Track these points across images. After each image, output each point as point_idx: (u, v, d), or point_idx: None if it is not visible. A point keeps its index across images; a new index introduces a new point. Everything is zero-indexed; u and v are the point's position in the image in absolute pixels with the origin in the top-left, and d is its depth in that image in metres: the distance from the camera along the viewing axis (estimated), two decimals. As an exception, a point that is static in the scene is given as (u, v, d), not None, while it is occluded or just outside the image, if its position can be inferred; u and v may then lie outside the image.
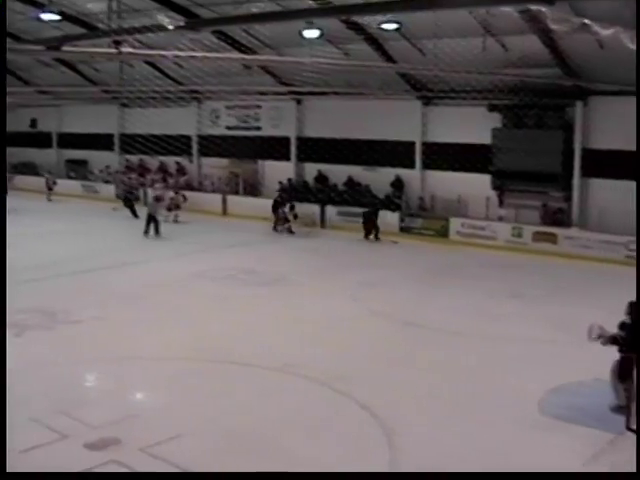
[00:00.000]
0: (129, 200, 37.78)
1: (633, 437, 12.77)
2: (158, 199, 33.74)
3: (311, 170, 38.29)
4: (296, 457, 11.88)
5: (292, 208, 34.18)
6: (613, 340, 13.67)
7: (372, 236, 32.21)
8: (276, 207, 34.66)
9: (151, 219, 32.00)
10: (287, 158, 39.03)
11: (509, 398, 14.51)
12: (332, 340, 18.02)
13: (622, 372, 13.48)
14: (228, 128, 41.22)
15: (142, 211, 34.08)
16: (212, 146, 40.82)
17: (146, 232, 31.77)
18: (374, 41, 30.15)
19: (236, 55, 28.93)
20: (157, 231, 32.03)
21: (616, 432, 12.94)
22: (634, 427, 12.96)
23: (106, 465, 11.27)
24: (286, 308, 21.04)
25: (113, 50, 16.19)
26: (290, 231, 33.65)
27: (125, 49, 16.52)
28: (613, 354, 13.91)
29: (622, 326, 13.92)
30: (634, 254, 26.71)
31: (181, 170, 43.51)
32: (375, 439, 12.65)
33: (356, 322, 19.73)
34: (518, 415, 13.74)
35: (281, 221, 34.10)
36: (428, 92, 33.31)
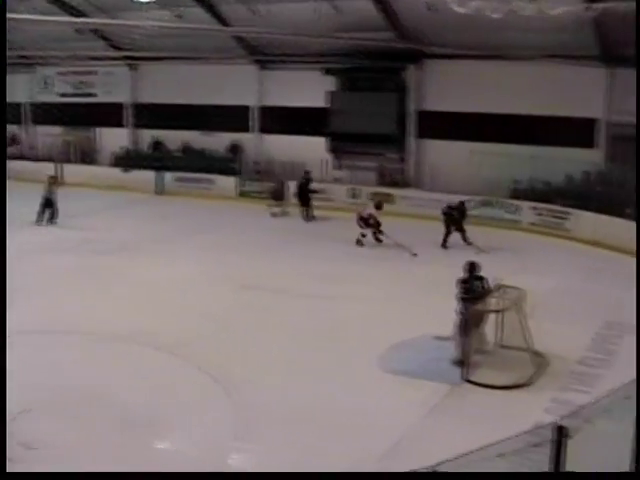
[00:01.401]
0: None
1: (470, 386, 13.27)
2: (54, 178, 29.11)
3: (147, 137, 37.73)
4: (139, 424, 11.80)
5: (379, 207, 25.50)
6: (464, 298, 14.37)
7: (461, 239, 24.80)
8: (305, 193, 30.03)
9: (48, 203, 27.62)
10: (122, 124, 38.34)
11: (351, 356, 14.70)
12: (175, 305, 17.86)
13: (465, 327, 13.99)
14: (62, 95, 40.10)
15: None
16: (45, 114, 39.70)
17: (39, 220, 27.35)
18: (207, 4, 29.84)
19: (67, 19, 28.21)
20: (52, 217, 27.53)
21: (454, 383, 13.39)
22: (472, 378, 13.44)
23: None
24: (129, 275, 20.70)
25: None
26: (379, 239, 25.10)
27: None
28: (450, 310, 14.38)
29: (461, 282, 14.46)
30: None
31: (14, 139, 42.12)
32: (218, 403, 12.65)
33: (199, 286, 19.58)
34: (359, 371, 13.99)
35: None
36: (264, 56, 33.29)
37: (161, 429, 11.85)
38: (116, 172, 36.15)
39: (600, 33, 25.24)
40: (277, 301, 18.51)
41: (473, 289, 14.39)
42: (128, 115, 38.13)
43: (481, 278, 14.64)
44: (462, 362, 13.85)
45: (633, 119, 25.18)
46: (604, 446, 7.86)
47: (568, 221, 25.93)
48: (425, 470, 6.04)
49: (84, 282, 19.95)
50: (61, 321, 16.61)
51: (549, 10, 20.70)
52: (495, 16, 20.51)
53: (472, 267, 14.70)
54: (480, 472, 6.96)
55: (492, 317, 14.40)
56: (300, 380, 13.54)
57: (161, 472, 9.65)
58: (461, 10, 20.65)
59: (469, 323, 13.88)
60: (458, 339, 14.24)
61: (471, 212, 26.29)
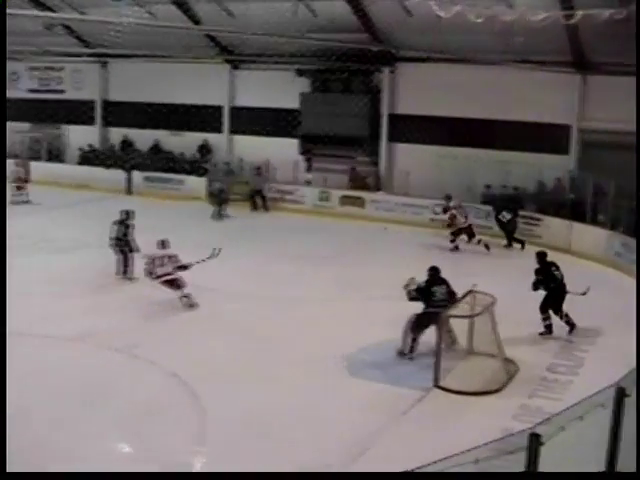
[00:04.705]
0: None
1: (440, 392, 13.12)
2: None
3: (117, 135, 37.31)
4: (104, 432, 11.54)
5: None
6: (414, 298, 14.64)
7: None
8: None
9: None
10: (92, 122, 37.87)
11: (312, 359, 14.42)
12: (118, 309, 17.41)
13: (415, 324, 14.41)
14: (30, 91, 39.59)
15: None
16: (12, 110, 39.16)
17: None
18: (180, 2, 29.56)
19: (38, 13, 27.84)
20: None
21: (424, 389, 13.23)
22: (442, 384, 13.29)
23: None
24: (74, 272, 20.32)
25: None
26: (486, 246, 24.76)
27: None
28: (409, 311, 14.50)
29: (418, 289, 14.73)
30: (438, 217, 27.34)
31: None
32: (186, 407, 12.35)
33: (143, 287, 18.85)
34: (323, 376, 13.78)
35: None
36: (237, 56, 33.03)
37: (132, 430, 11.60)
38: (84, 170, 35.58)
39: (574, 39, 25.21)
40: (235, 302, 18.09)
41: (433, 294, 14.55)
42: (97, 113, 37.68)
43: (444, 282, 14.81)
44: (403, 354, 14.48)
45: (604, 126, 25.33)
46: (577, 453, 7.71)
47: (539, 227, 25.84)
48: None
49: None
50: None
51: (530, 16, 20.62)
52: (478, 20, 20.42)
53: (432, 271, 14.94)
54: (478, 472, 6.84)
55: (461, 323, 14.34)
56: (260, 384, 13.21)
57: (160, 472, 9.43)
58: (443, 14, 20.56)
59: (423, 324, 14.30)
60: (405, 333, 14.60)
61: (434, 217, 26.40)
